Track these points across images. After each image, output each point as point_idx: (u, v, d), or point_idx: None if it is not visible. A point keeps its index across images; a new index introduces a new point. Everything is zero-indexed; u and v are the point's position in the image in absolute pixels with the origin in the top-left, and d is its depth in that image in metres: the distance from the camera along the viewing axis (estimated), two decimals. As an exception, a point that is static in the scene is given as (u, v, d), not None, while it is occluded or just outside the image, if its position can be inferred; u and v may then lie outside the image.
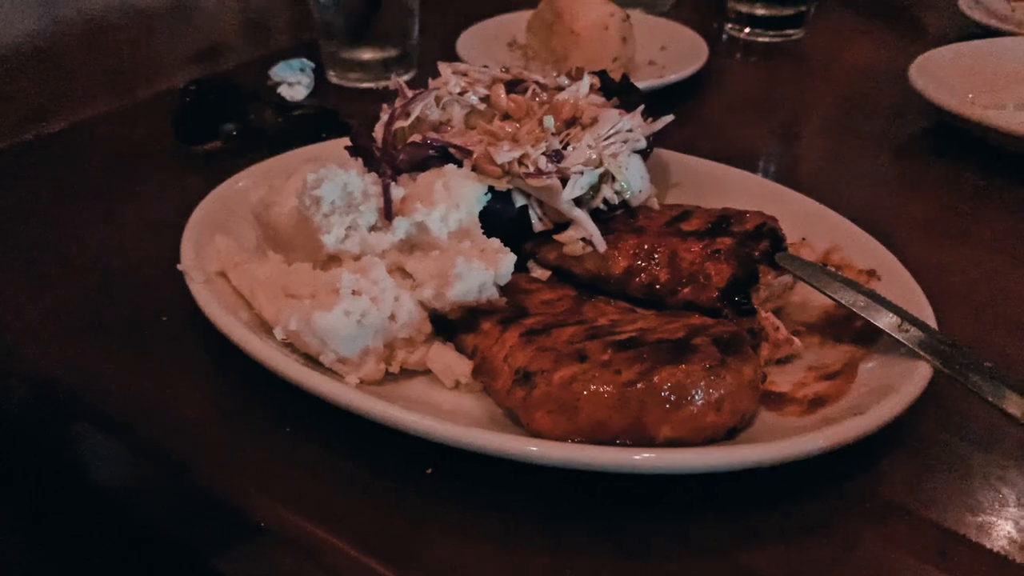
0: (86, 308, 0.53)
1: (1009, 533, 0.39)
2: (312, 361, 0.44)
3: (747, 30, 0.94)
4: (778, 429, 0.41)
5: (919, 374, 0.41)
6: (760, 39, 0.94)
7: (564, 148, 0.49)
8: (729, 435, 0.40)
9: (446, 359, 0.44)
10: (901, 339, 0.42)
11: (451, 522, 0.39)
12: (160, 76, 0.84)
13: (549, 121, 0.50)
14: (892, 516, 0.40)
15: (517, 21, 0.88)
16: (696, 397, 0.38)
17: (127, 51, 0.82)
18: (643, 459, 0.37)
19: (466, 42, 0.84)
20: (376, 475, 0.41)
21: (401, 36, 0.83)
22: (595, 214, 0.51)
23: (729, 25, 0.95)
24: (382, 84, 0.82)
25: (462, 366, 0.44)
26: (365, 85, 0.83)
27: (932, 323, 0.44)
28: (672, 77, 0.78)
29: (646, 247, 0.49)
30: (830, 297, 0.45)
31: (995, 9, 0.96)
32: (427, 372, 0.45)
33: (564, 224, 0.50)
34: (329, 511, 0.40)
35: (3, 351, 0.51)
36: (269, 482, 0.41)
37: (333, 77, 0.84)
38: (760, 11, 0.93)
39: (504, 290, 0.47)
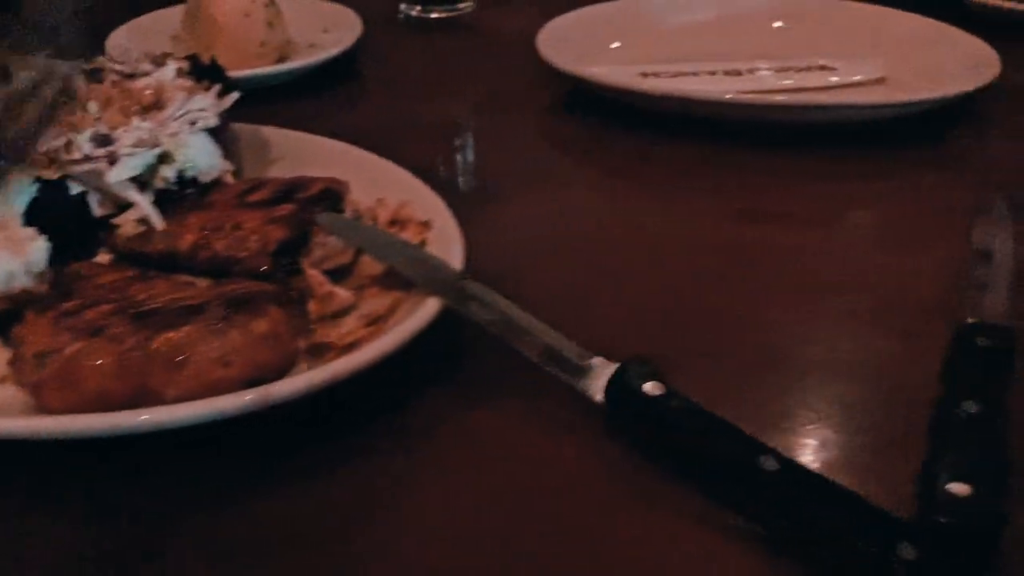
0: None
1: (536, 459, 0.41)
2: None
3: (418, 8, 0.97)
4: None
5: (424, 311, 0.44)
6: (433, 15, 0.97)
7: (115, 132, 0.50)
8: (254, 387, 0.42)
9: (-15, 353, 0.44)
10: (414, 279, 0.46)
11: None
12: None
13: (92, 107, 0.51)
14: (421, 448, 0.42)
15: (179, 14, 0.87)
16: (197, 356, 0.40)
17: None
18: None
19: (121, 38, 0.83)
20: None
21: (51, 35, 0.80)
22: (165, 194, 0.52)
23: (403, 4, 0.98)
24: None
25: (2, 358, 0.44)
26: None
27: (459, 263, 0.48)
28: (321, 57, 0.80)
29: (212, 221, 0.51)
30: (358, 247, 0.48)
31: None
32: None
33: (128, 206, 0.51)
34: None
35: None
36: None
37: (-20, 85, 0.81)
38: (432, -12, 0.97)
39: (61, 277, 0.47)
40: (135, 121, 0.51)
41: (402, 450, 0.42)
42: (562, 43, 0.78)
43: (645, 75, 0.76)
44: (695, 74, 0.76)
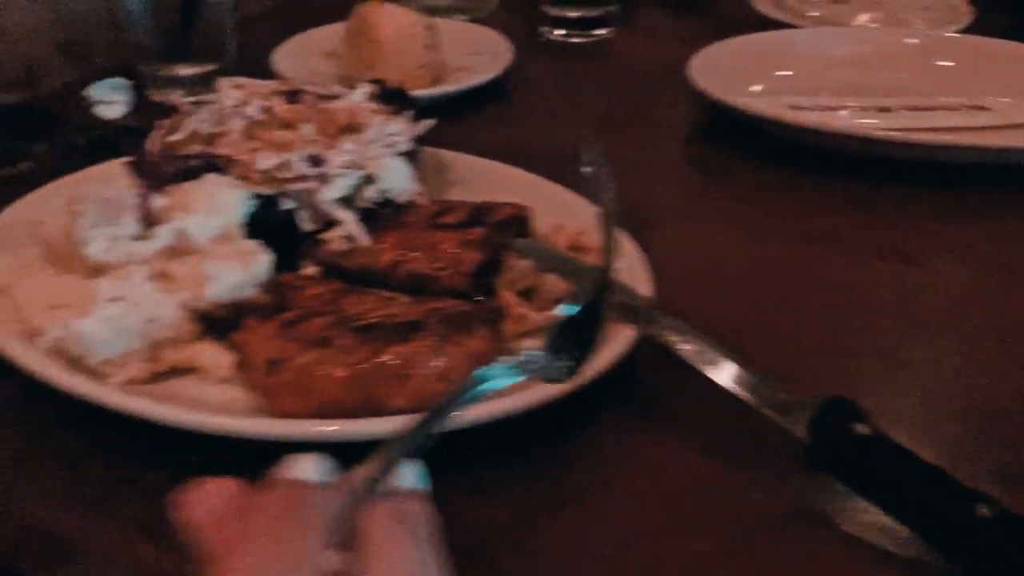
0: None
1: (710, 491, 0.43)
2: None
3: (557, 32, 0.99)
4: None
5: (621, 339, 0.46)
6: (572, 40, 0.99)
7: (326, 153, 0.53)
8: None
9: (213, 356, 0.48)
10: (607, 305, 0.48)
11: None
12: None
13: (307, 129, 0.54)
14: (615, 472, 0.44)
15: (337, 33, 0.91)
16: (419, 370, 0.43)
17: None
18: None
19: (284, 54, 0.87)
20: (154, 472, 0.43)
21: (218, 52, 0.86)
22: (366, 213, 0.55)
23: (544, 28, 1.00)
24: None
25: (227, 361, 0.47)
26: (187, 101, 0.85)
27: (648, 292, 0.50)
28: (476, 80, 0.83)
29: (409, 240, 0.54)
30: (553, 272, 0.51)
31: (788, 5, 1.04)
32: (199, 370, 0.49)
33: (333, 223, 0.54)
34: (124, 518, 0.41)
35: None
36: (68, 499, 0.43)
37: (155, 95, 0.86)
38: (572, 13, 0.99)
39: (274, 288, 0.51)
40: (343, 144, 0.54)
41: (572, 473, 0.44)
42: (712, 71, 0.79)
43: (794, 108, 0.77)
44: (844, 108, 0.77)
